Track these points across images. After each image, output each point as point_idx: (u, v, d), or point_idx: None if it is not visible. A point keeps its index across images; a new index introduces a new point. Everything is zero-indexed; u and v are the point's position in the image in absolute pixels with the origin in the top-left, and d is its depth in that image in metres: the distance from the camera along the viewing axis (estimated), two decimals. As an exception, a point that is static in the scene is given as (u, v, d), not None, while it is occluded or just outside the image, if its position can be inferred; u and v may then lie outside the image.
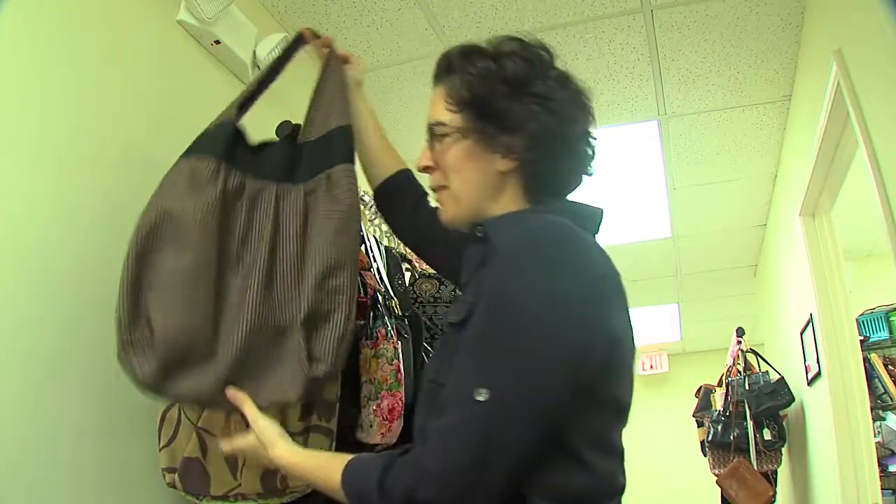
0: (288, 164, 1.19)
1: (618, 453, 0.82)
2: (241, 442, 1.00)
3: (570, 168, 0.92)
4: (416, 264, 2.03)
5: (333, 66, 1.27)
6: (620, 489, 0.81)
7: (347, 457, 0.85)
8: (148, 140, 1.51)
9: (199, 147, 1.17)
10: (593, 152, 0.93)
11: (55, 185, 1.26)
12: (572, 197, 0.94)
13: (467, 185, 0.90)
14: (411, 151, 2.86)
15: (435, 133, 0.92)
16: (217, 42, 1.73)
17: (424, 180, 1.07)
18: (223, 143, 1.16)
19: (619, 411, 0.81)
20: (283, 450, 0.94)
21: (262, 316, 1.06)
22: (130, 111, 1.47)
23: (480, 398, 0.70)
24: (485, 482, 0.70)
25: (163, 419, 1.27)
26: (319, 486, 0.88)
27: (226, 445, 1.03)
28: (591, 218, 0.89)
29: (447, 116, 0.90)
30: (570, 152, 0.90)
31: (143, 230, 1.09)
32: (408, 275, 1.95)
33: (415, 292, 1.92)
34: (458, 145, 0.89)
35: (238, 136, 1.21)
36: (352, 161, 1.16)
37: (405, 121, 2.63)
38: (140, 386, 1.05)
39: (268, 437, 0.95)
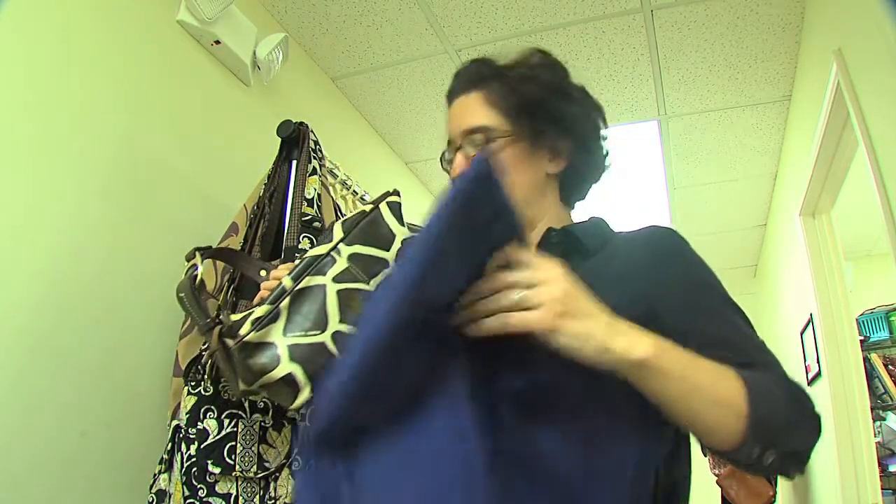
0: None
1: None
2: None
3: (597, 173, 0.96)
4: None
5: None
6: None
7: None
8: (148, 139, 1.51)
9: None
10: (607, 161, 0.96)
11: (55, 185, 1.27)
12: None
13: (516, 189, 0.79)
14: (412, 151, 2.86)
15: (476, 138, 0.87)
16: (217, 42, 1.73)
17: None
18: None
19: None
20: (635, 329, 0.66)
21: None
22: (131, 111, 1.47)
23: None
24: None
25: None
26: (698, 384, 0.65)
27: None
28: None
29: (493, 120, 0.87)
30: (600, 158, 0.94)
31: None
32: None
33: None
34: (507, 149, 0.86)
35: None
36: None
37: (405, 121, 2.62)
38: None
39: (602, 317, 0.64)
